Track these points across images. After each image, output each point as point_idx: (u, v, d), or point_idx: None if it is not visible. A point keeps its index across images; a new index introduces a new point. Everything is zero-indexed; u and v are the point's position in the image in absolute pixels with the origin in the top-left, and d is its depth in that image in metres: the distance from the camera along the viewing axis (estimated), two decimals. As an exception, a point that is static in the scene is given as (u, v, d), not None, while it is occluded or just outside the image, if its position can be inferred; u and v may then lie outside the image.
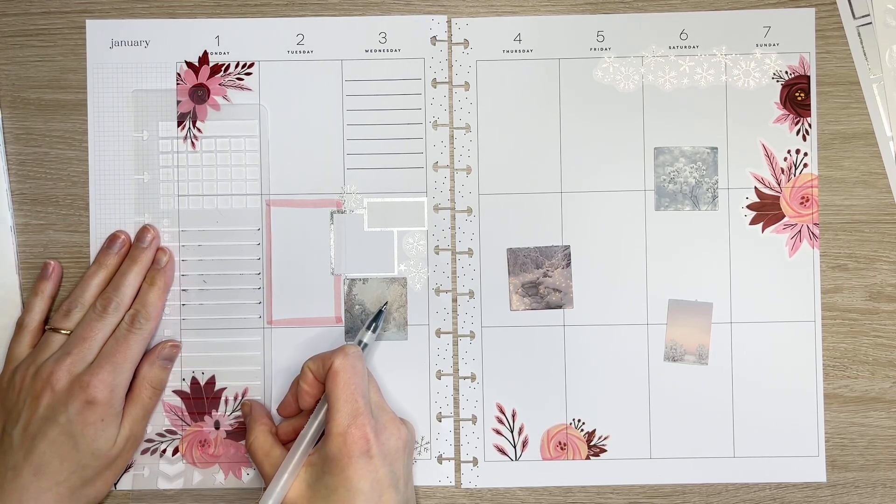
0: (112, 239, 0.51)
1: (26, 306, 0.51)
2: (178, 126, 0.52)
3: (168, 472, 0.52)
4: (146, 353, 0.50)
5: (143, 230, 0.51)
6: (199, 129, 0.52)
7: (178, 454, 0.52)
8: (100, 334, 0.48)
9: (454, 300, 0.52)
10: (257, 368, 0.52)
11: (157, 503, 0.52)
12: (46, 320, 0.51)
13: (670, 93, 0.52)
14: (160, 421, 0.52)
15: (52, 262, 0.52)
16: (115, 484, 0.51)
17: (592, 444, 0.52)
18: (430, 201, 0.52)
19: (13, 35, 0.53)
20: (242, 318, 0.52)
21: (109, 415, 0.47)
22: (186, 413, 0.52)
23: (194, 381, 0.52)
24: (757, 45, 0.52)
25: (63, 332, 0.49)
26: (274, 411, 0.52)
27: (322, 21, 0.53)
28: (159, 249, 0.51)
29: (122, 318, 0.49)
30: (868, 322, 0.52)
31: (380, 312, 0.51)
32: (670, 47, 0.52)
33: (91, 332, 0.48)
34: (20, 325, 0.51)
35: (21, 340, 0.50)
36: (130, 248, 0.51)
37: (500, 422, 0.52)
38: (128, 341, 0.49)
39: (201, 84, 0.52)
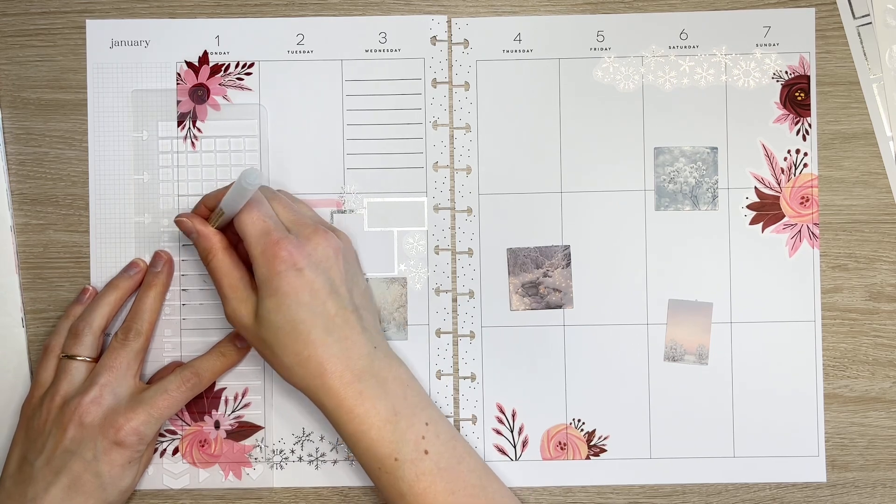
0: (130, 265, 0.51)
1: (55, 329, 0.50)
2: (178, 126, 0.52)
3: (173, 471, 0.52)
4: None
5: (156, 255, 0.51)
6: (199, 129, 0.52)
7: (179, 454, 0.52)
8: (125, 362, 0.48)
9: (454, 300, 0.52)
10: (257, 368, 0.52)
11: (157, 502, 0.52)
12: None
13: (670, 93, 0.52)
14: (160, 421, 0.52)
15: (90, 288, 0.51)
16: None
17: (592, 444, 0.52)
18: (430, 201, 0.52)
19: (13, 35, 0.53)
20: (242, 318, 0.52)
21: (136, 458, 0.48)
22: (186, 413, 0.52)
23: (194, 381, 0.52)
24: (757, 45, 0.52)
25: (79, 358, 0.48)
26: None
27: (322, 21, 0.53)
28: (157, 253, 0.51)
29: (144, 342, 0.49)
30: (868, 322, 0.52)
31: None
32: (670, 47, 0.52)
33: (116, 360, 0.48)
34: (47, 348, 0.50)
35: (47, 365, 0.49)
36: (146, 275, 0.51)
37: (500, 422, 0.52)
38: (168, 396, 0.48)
39: (201, 84, 0.52)
